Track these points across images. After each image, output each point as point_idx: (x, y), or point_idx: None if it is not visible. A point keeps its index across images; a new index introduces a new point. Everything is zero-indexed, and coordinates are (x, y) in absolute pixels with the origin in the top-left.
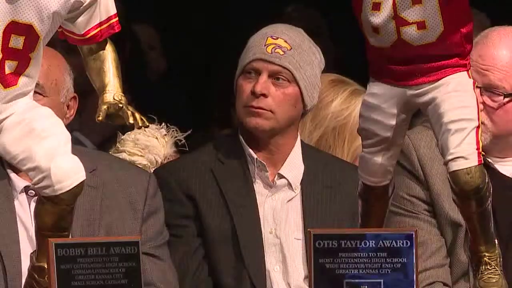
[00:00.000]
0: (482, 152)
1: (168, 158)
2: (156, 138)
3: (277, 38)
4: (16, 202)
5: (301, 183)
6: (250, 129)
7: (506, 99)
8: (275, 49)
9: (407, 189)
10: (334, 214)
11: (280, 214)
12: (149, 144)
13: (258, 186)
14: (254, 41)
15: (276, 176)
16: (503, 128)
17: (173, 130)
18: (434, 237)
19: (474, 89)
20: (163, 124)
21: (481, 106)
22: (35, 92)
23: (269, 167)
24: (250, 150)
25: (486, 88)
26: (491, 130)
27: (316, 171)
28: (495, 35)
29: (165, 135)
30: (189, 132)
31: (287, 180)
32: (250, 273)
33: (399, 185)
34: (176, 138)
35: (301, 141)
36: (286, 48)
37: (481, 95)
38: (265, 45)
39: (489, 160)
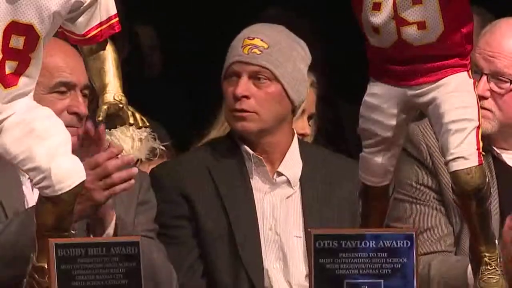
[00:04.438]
0: (483, 153)
1: (141, 161)
2: (133, 139)
3: (254, 38)
4: (24, 188)
5: (300, 180)
6: (238, 133)
7: None
8: (252, 49)
9: (416, 178)
10: (334, 211)
11: (280, 210)
12: (117, 144)
13: (256, 183)
14: (233, 44)
15: (275, 174)
16: (510, 115)
17: (151, 137)
18: (442, 224)
19: (474, 89)
20: (145, 129)
21: (487, 94)
22: (84, 96)
23: (267, 164)
24: (246, 147)
25: (493, 75)
26: (498, 117)
27: (315, 167)
28: (503, 24)
29: (141, 139)
30: (168, 143)
31: (286, 177)
32: (248, 271)
33: (407, 174)
34: (151, 146)
35: (298, 137)
36: (263, 47)
37: (488, 82)
38: (242, 47)
39: (497, 151)
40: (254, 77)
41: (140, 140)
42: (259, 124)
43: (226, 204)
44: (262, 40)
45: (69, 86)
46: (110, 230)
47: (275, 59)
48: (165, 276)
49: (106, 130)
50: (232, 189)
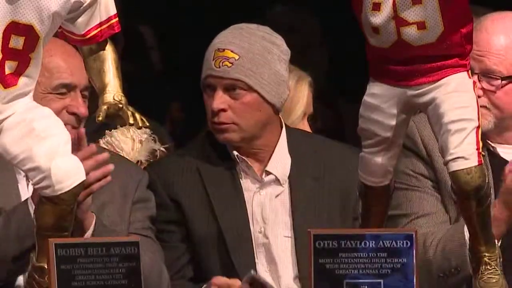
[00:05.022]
0: (482, 153)
1: (141, 163)
2: (133, 140)
3: (224, 50)
4: (19, 186)
5: (289, 177)
6: (222, 143)
7: (504, 82)
8: (223, 62)
9: (413, 167)
10: (323, 207)
11: (269, 211)
12: (117, 144)
13: (245, 183)
14: (206, 54)
15: (264, 173)
16: (506, 111)
17: (152, 139)
18: (439, 211)
19: (474, 89)
20: (145, 130)
21: (480, 92)
22: (84, 97)
23: (255, 163)
24: (233, 149)
25: (483, 74)
26: (494, 113)
27: (304, 161)
28: (488, 20)
29: (141, 140)
30: (168, 145)
31: (275, 176)
32: (240, 276)
33: (404, 164)
34: (151, 148)
35: (287, 128)
36: (234, 58)
37: (479, 81)
38: (213, 59)
39: (492, 145)
40: (229, 89)
41: (141, 141)
42: (241, 134)
43: (216, 207)
44: (232, 52)
45: (69, 88)
46: (89, 232)
47: (247, 69)
48: (154, 276)
49: (107, 131)
50: (222, 192)
